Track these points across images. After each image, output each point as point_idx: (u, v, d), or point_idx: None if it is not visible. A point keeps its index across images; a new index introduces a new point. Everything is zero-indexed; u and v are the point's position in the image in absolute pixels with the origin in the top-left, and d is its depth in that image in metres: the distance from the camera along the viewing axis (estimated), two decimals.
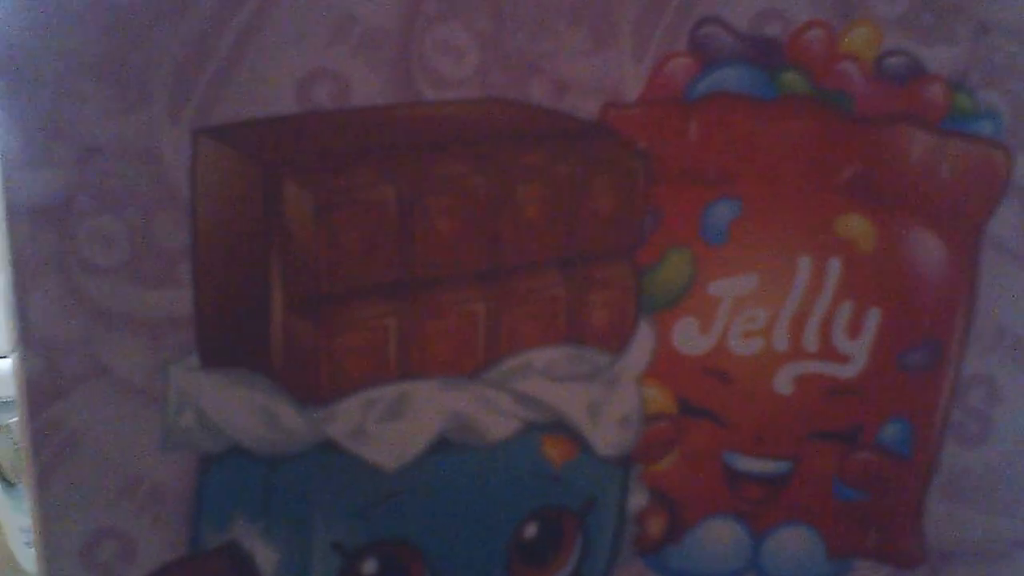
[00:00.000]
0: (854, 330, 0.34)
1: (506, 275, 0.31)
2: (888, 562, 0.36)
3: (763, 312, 0.33)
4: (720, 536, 0.35)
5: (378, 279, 0.30)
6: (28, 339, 0.28)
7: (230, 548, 0.31)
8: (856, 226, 0.33)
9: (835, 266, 0.33)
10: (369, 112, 0.29)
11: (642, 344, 0.33)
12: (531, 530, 0.33)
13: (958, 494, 0.35)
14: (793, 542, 0.35)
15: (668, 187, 0.32)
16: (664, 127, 0.32)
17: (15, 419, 0.32)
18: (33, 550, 0.31)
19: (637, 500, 0.34)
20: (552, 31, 0.30)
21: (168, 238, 0.28)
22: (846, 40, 0.33)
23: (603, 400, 0.33)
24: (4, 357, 0.39)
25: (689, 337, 0.33)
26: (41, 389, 0.28)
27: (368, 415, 0.31)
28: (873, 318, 0.34)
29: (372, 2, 0.28)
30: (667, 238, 0.32)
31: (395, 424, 0.31)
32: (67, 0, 0.26)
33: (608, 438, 0.33)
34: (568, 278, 0.32)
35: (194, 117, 0.27)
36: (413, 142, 0.30)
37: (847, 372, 0.34)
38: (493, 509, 0.32)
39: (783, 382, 0.34)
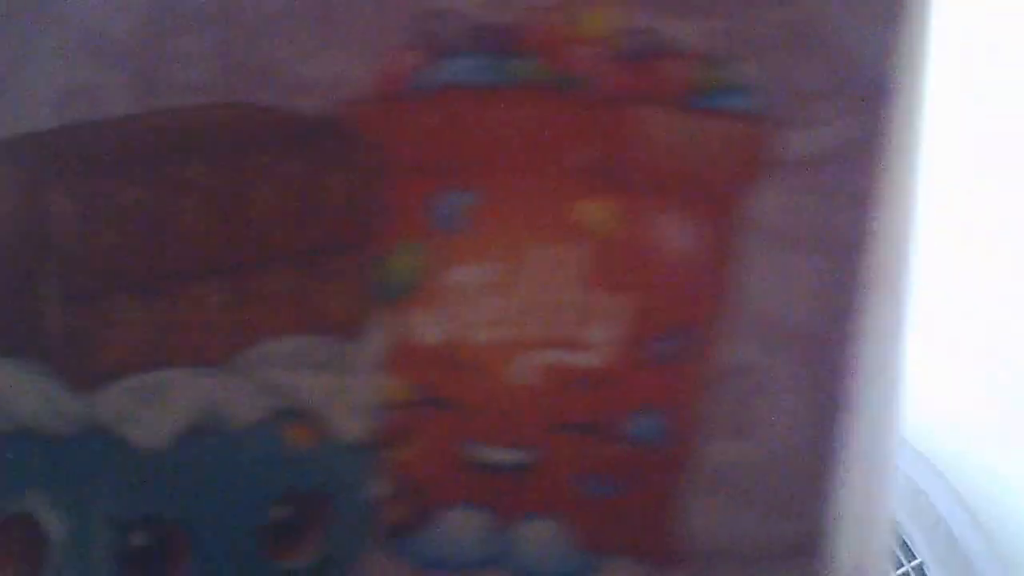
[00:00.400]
0: (598, 318, 0.33)
1: (247, 269, 0.34)
2: (644, 559, 0.33)
3: (501, 300, 0.33)
4: (465, 525, 0.34)
5: (137, 275, 0.33)
6: None
7: (24, 517, 0.35)
8: (595, 212, 0.33)
9: (576, 253, 0.33)
10: (115, 123, 0.33)
11: (377, 333, 0.34)
12: (281, 512, 0.35)
13: (722, 491, 0.32)
14: (540, 534, 0.34)
15: (401, 180, 0.34)
16: (396, 121, 0.33)
17: None
18: None
19: (382, 487, 0.34)
20: (281, 36, 0.33)
21: None
22: (583, 23, 0.33)
23: (340, 388, 0.34)
24: None
25: (426, 326, 0.34)
26: None
27: (131, 400, 0.35)
28: (619, 305, 0.33)
29: (117, 19, 0.33)
30: (401, 230, 0.34)
31: (154, 409, 0.34)
32: None
33: (347, 425, 0.34)
34: (303, 271, 0.34)
35: None
36: (162, 148, 0.33)
37: (592, 361, 0.33)
38: (245, 491, 0.34)
39: (523, 371, 0.33)
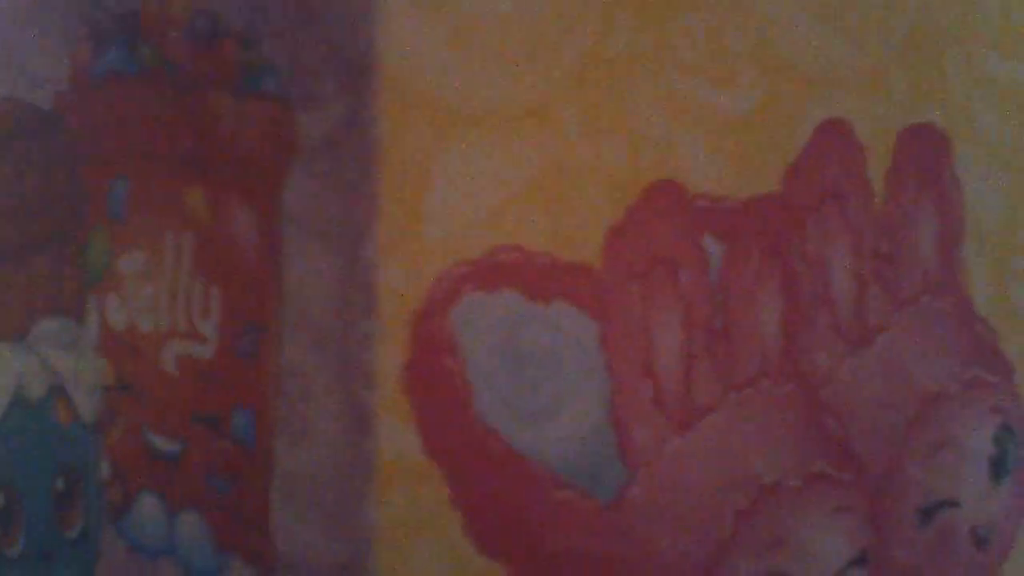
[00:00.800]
0: (205, 310, 0.32)
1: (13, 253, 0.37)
2: (252, 563, 0.32)
3: (151, 288, 0.33)
4: (149, 512, 0.35)
5: None
6: None
7: None
8: (196, 200, 0.32)
9: (189, 242, 0.32)
10: None
11: (93, 318, 0.35)
12: (59, 484, 0.37)
13: (291, 500, 0.30)
14: (190, 528, 0.34)
15: (88, 168, 0.35)
16: (81, 111, 0.34)
17: None
18: None
19: (104, 468, 0.36)
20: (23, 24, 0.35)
21: None
22: (170, 5, 0.32)
23: (77, 368, 0.36)
24: None
25: (114, 312, 0.35)
26: None
27: None
28: (216, 298, 0.32)
29: None
30: (92, 217, 0.35)
31: None
32: None
33: (85, 405, 0.36)
34: (47, 257, 0.36)
35: None
36: None
37: (206, 353, 0.32)
38: (35, 461, 0.37)
39: (168, 360, 0.33)
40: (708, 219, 0.31)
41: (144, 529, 0.34)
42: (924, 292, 0.37)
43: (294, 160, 0.28)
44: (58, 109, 0.35)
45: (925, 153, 0.36)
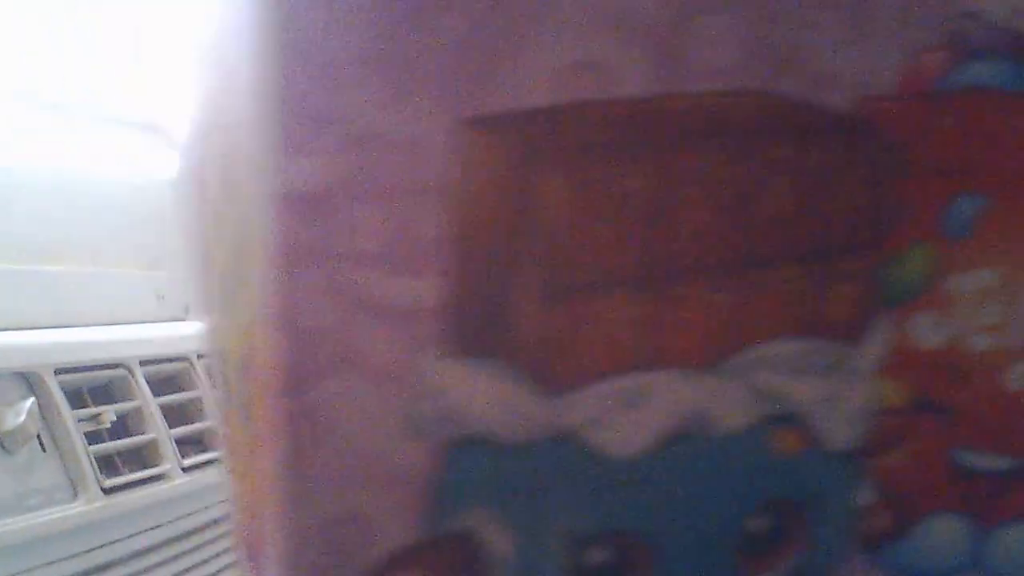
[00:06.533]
0: None
1: (751, 267, 0.31)
2: None
3: (1001, 307, 0.34)
4: (945, 533, 0.36)
5: (626, 271, 0.30)
6: (286, 325, 0.29)
7: (465, 534, 0.32)
8: None
9: None
10: (625, 104, 0.29)
11: (880, 338, 0.34)
12: (759, 523, 0.34)
13: None
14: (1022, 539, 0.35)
15: (914, 181, 0.33)
16: (916, 121, 0.32)
17: None
18: None
19: (864, 494, 0.35)
20: (813, 22, 0.30)
21: (424, 228, 0.29)
22: None
23: (839, 394, 0.34)
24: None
25: (926, 331, 0.34)
26: (296, 374, 0.29)
27: (607, 404, 0.32)
28: None
29: None
30: (910, 232, 0.33)
31: (632, 414, 0.32)
32: None
33: (841, 432, 0.34)
34: (811, 271, 0.32)
35: (457, 107, 0.28)
36: (668, 134, 0.30)
37: None
38: (722, 501, 0.34)
39: (1018, 378, 0.34)
40: None
41: (929, 551, 0.35)
42: None
43: None
44: (866, 114, 0.32)
45: None
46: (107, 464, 0.80)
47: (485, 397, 0.31)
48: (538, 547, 0.33)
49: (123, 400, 0.86)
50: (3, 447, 0.69)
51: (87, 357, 0.78)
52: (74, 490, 0.74)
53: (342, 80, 0.27)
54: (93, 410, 0.78)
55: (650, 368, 0.32)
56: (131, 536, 0.78)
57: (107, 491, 0.77)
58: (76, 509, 0.74)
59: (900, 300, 0.33)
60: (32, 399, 0.72)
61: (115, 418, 0.79)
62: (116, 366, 0.82)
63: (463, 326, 0.30)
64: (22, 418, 0.69)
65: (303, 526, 0.31)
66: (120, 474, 0.79)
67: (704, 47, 0.29)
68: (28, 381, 0.74)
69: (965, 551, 0.36)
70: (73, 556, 0.73)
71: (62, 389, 0.76)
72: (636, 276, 0.30)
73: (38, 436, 0.72)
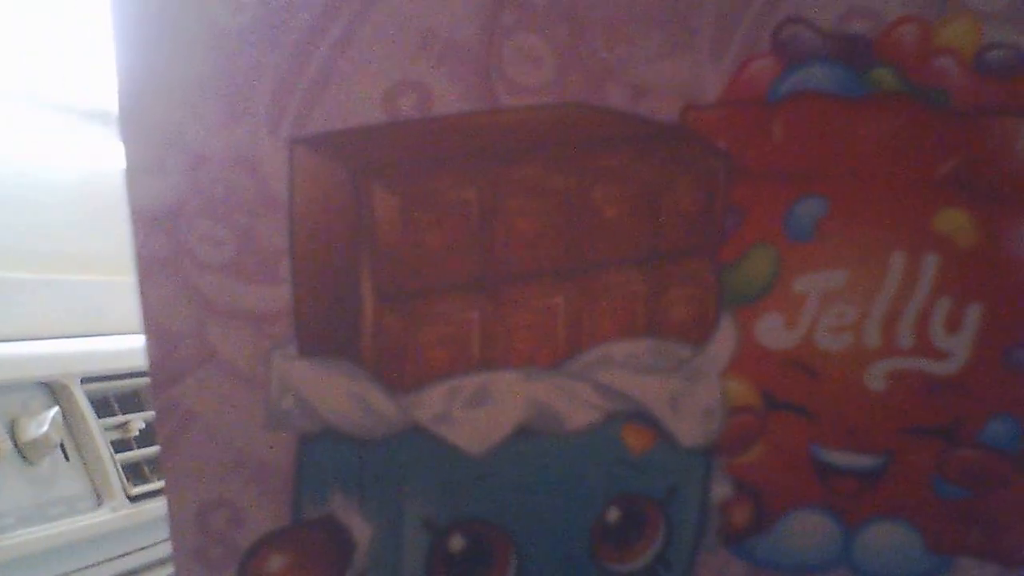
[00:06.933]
0: (952, 326, 0.35)
1: (585, 272, 0.34)
2: (993, 560, 0.36)
3: (852, 308, 0.35)
4: (809, 528, 0.36)
5: (461, 276, 0.32)
6: (149, 328, 0.32)
7: (328, 520, 0.34)
8: (955, 221, 0.35)
9: (931, 261, 0.34)
10: (450, 120, 0.32)
11: (724, 339, 0.35)
12: (613, 515, 0.36)
13: None
14: (888, 537, 0.37)
15: (750, 186, 0.34)
16: (746, 127, 0.34)
17: None
18: None
19: (721, 490, 0.36)
20: (628, 36, 0.32)
21: (269, 239, 0.31)
22: (941, 35, 0.34)
23: (684, 392, 0.35)
24: None
25: (774, 332, 0.35)
26: (162, 372, 0.32)
27: (453, 402, 0.34)
28: (974, 314, 0.35)
29: (453, 16, 0.31)
30: (750, 235, 0.34)
31: (479, 411, 0.34)
32: (180, 21, 0.30)
33: (690, 429, 0.35)
34: (648, 274, 0.34)
35: (291, 128, 0.30)
36: (492, 147, 0.32)
37: (946, 368, 0.35)
38: (576, 494, 0.35)
39: (875, 377, 0.35)
40: None
41: (789, 546, 0.36)
42: None
43: None
44: (690, 122, 0.33)
45: None
46: (134, 472, 0.84)
47: (338, 394, 0.33)
48: (397, 534, 0.35)
49: (151, 408, 0.89)
50: (25, 457, 0.72)
51: (114, 366, 0.82)
52: (99, 498, 0.78)
53: (181, 104, 0.30)
54: (120, 418, 0.82)
55: (492, 367, 0.34)
56: (156, 544, 0.81)
57: (133, 499, 0.81)
58: (101, 517, 0.78)
59: (744, 301, 0.34)
60: (55, 409, 0.76)
61: (144, 426, 0.83)
62: (143, 374, 0.85)
63: (312, 328, 0.33)
64: (44, 428, 0.73)
65: (180, 511, 0.34)
66: (147, 482, 0.83)
67: (519, 65, 0.32)
68: (53, 390, 0.78)
69: (832, 547, 0.36)
70: (99, 563, 0.77)
71: (89, 398, 0.80)
72: (471, 280, 0.33)
73: (61, 445, 0.76)
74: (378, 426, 0.34)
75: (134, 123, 0.31)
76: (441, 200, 0.32)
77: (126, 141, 0.31)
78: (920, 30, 0.33)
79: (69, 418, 0.77)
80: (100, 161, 0.92)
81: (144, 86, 0.30)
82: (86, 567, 0.75)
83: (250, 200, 0.31)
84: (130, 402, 0.86)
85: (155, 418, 0.33)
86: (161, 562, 0.84)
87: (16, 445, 0.70)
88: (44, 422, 0.72)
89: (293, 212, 0.32)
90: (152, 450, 0.85)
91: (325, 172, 0.32)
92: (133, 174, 0.31)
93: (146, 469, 0.85)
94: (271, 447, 0.34)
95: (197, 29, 0.30)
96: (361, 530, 0.35)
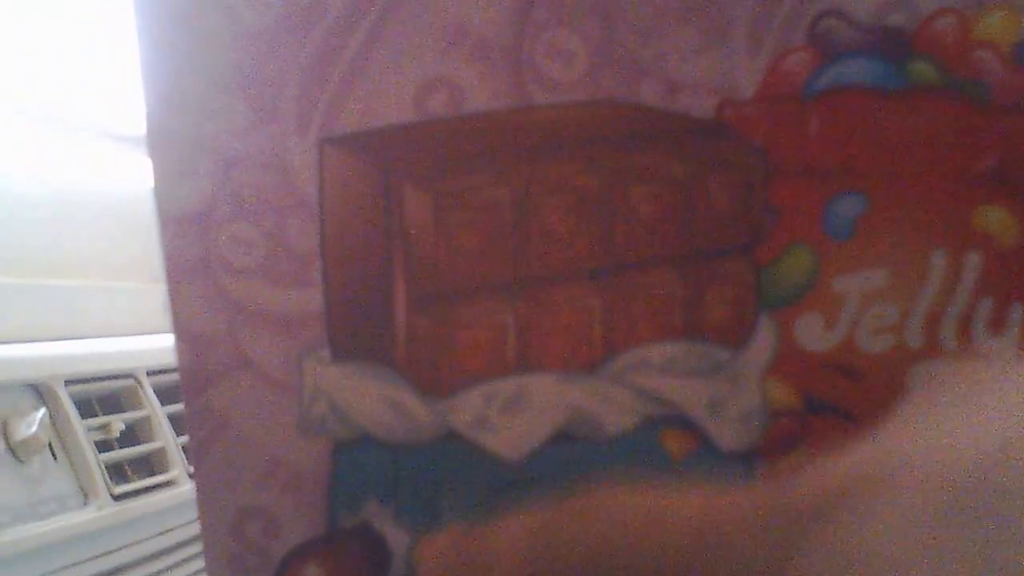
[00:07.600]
0: (996, 327, 0.34)
1: (621, 272, 0.34)
2: None
3: (893, 308, 0.34)
4: None
5: (494, 277, 0.32)
6: (180, 333, 0.31)
7: (363, 529, 0.34)
8: (996, 218, 0.34)
9: (973, 260, 0.34)
10: (482, 118, 0.31)
11: (763, 340, 0.35)
12: None
13: None
14: None
15: (788, 183, 0.34)
16: (783, 123, 0.33)
17: None
18: None
19: None
20: (662, 31, 0.31)
21: (299, 241, 0.31)
22: (980, 27, 0.33)
23: (724, 396, 0.35)
24: None
25: (814, 333, 0.35)
26: (193, 378, 0.32)
27: (488, 407, 0.34)
28: (1017, 314, 0.34)
29: (483, 12, 0.30)
30: (788, 234, 0.34)
31: (515, 416, 0.34)
32: (204, 21, 0.29)
33: (730, 433, 0.35)
34: (685, 275, 0.34)
35: (320, 128, 0.30)
36: (525, 145, 0.31)
37: None
38: None
39: (915, 379, 0.34)
40: None
41: None
42: None
43: None
44: (726, 118, 0.33)
45: None
46: (116, 472, 0.84)
47: (372, 399, 0.33)
48: None
49: (132, 409, 0.91)
50: (16, 456, 0.72)
51: (96, 368, 0.82)
52: (85, 497, 0.78)
53: (209, 107, 0.29)
54: (103, 419, 0.82)
55: (527, 371, 0.33)
56: (140, 541, 0.81)
57: (117, 498, 0.81)
58: (87, 516, 0.78)
59: (783, 302, 0.34)
60: (44, 410, 0.76)
61: (124, 427, 0.83)
62: (125, 376, 0.86)
63: (345, 332, 0.32)
64: (34, 428, 0.73)
65: (214, 519, 0.33)
66: (129, 481, 0.83)
67: (551, 61, 0.31)
68: (39, 392, 0.78)
69: None
70: (85, 561, 0.77)
71: (72, 399, 0.80)
72: (506, 282, 0.32)
73: (49, 445, 0.76)
74: (413, 432, 0.33)
75: (162, 129, 0.30)
76: (474, 199, 0.31)
77: (153, 147, 0.30)
78: (959, 22, 0.33)
79: (55, 419, 0.77)
80: (82, 171, 0.92)
81: (170, 89, 0.30)
82: (74, 564, 0.75)
83: (280, 202, 0.31)
84: (110, 403, 0.86)
85: (187, 423, 0.33)
86: (144, 559, 0.84)
87: (7, 445, 0.70)
88: (33, 422, 0.72)
89: (324, 214, 0.31)
90: (134, 450, 0.85)
91: (355, 172, 0.31)
92: (161, 180, 0.30)
93: (128, 469, 0.85)
94: (305, 454, 0.33)
95: (222, 29, 0.29)
96: (396, 538, 0.34)
